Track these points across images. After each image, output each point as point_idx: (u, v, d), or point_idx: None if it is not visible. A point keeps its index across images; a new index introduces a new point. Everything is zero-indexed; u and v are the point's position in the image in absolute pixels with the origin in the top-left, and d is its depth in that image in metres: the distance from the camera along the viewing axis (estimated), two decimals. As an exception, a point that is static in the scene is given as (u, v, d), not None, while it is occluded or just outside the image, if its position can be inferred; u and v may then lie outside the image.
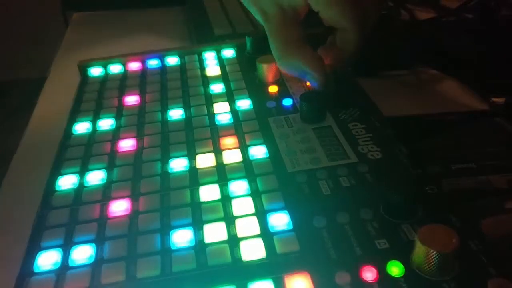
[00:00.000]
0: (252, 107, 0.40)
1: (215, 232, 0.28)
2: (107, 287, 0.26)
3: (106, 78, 0.47)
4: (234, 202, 0.30)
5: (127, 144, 0.37)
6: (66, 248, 0.29)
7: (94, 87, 0.45)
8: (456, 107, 0.48)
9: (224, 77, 0.45)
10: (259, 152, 0.35)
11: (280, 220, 0.29)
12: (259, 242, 0.27)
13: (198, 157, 0.35)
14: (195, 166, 0.34)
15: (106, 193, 0.32)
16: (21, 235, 0.30)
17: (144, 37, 0.65)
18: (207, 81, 0.45)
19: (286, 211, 0.29)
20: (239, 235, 0.28)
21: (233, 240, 0.28)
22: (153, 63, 0.49)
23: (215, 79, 0.45)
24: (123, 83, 0.46)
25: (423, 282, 0.24)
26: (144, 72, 0.47)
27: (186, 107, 0.41)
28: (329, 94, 0.39)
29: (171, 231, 0.29)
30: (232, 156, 0.34)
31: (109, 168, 0.35)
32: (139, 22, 0.70)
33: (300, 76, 0.41)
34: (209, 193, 0.31)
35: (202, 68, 0.47)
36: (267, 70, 0.43)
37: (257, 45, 0.48)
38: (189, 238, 0.28)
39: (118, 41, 0.64)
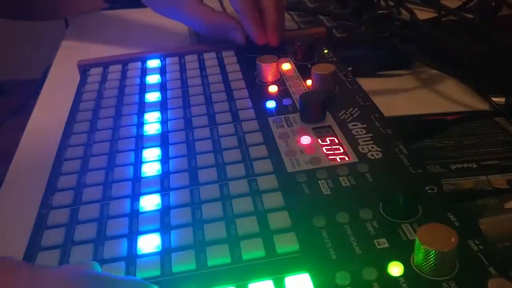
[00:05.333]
0: (252, 107, 0.40)
1: (215, 232, 0.28)
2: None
3: (105, 78, 0.47)
4: (234, 202, 0.30)
5: (126, 144, 0.37)
6: (66, 248, 0.29)
7: (94, 87, 0.45)
8: (456, 107, 0.48)
9: (224, 77, 0.45)
10: (259, 152, 0.35)
11: (279, 220, 0.29)
12: (259, 242, 0.27)
13: (198, 157, 0.35)
14: (195, 166, 0.34)
15: (106, 193, 0.32)
16: (21, 235, 0.30)
17: (144, 37, 0.65)
18: (207, 81, 0.45)
19: (286, 211, 0.29)
20: (239, 235, 0.28)
21: (233, 240, 0.28)
22: (153, 63, 0.49)
23: (214, 79, 0.45)
24: (123, 83, 0.46)
25: (423, 281, 0.24)
26: (143, 72, 0.47)
27: (186, 107, 0.41)
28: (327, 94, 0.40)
29: (171, 231, 0.29)
30: (232, 156, 0.34)
31: (109, 168, 0.35)
32: (139, 22, 0.70)
33: (223, 38, 0.50)
34: (209, 193, 0.31)
35: (202, 68, 0.47)
36: (267, 70, 0.43)
37: (257, 45, 0.48)
38: (189, 238, 0.28)
39: (118, 41, 0.64)
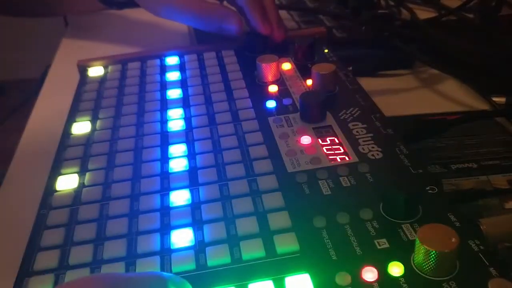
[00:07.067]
0: (252, 106, 0.40)
1: (215, 232, 0.28)
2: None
3: (105, 78, 0.47)
4: (234, 202, 0.30)
5: (126, 144, 0.37)
6: (66, 248, 0.29)
7: (93, 87, 0.45)
8: (456, 107, 0.48)
9: (224, 77, 0.45)
10: (259, 152, 0.35)
11: (279, 220, 0.29)
12: (259, 242, 0.27)
13: (198, 156, 0.35)
14: (195, 166, 0.34)
15: (106, 193, 0.32)
16: (21, 235, 0.30)
17: (144, 37, 0.65)
18: (206, 80, 0.45)
19: (286, 211, 0.29)
20: (239, 235, 0.28)
21: (233, 240, 0.28)
22: (153, 63, 0.49)
23: (214, 78, 0.45)
24: (122, 83, 0.46)
25: (423, 282, 0.24)
26: (143, 72, 0.47)
27: (186, 106, 0.41)
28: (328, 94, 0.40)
29: (170, 231, 0.29)
30: (232, 156, 0.34)
31: (109, 168, 0.35)
32: (139, 22, 0.70)
33: (217, 29, 0.49)
34: (208, 193, 0.31)
35: (202, 68, 0.47)
36: (267, 70, 0.43)
37: (256, 45, 0.48)
38: (189, 238, 0.28)
39: (118, 41, 0.64)
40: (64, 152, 0.37)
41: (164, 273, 0.24)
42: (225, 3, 0.58)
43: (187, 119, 0.39)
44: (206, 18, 0.49)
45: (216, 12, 0.49)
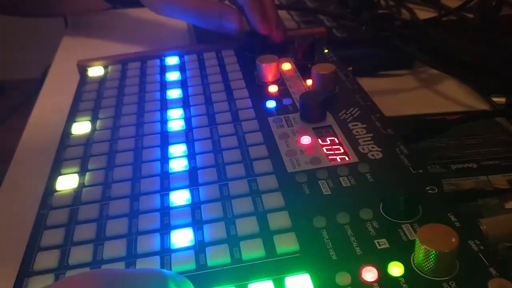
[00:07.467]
0: (252, 107, 0.40)
1: (215, 232, 0.28)
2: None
3: (105, 78, 0.47)
4: (234, 202, 0.30)
5: (126, 144, 0.37)
6: (65, 248, 0.29)
7: (93, 87, 0.45)
8: (456, 107, 0.48)
9: (224, 77, 0.45)
10: (259, 152, 0.35)
11: (279, 220, 0.29)
12: (259, 242, 0.27)
13: (198, 156, 0.35)
14: (195, 166, 0.34)
15: (105, 193, 0.32)
16: (21, 235, 0.30)
17: (144, 37, 0.65)
18: (206, 80, 0.45)
19: (286, 211, 0.29)
20: (239, 235, 0.28)
21: (233, 240, 0.28)
22: (153, 63, 0.49)
23: (214, 79, 0.45)
24: (122, 83, 0.46)
25: (423, 282, 0.24)
26: (143, 72, 0.47)
27: (186, 106, 0.41)
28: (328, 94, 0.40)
29: (170, 231, 0.29)
30: (232, 156, 0.34)
31: (109, 168, 0.35)
32: (139, 22, 0.70)
33: (217, 26, 0.49)
34: (208, 193, 0.31)
35: (202, 68, 0.47)
36: (267, 70, 0.43)
37: (256, 45, 0.48)
38: (189, 238, 0.28)
39: (118, 41, 0.64)
40: (64, 152, 0.37)
41: (165, 271, 0.24)
42: (226, 1, 0.58)
43: (187, 119, 0.39)
44: (207, 16, 0.50)
45: (216, 9, 0.49)
